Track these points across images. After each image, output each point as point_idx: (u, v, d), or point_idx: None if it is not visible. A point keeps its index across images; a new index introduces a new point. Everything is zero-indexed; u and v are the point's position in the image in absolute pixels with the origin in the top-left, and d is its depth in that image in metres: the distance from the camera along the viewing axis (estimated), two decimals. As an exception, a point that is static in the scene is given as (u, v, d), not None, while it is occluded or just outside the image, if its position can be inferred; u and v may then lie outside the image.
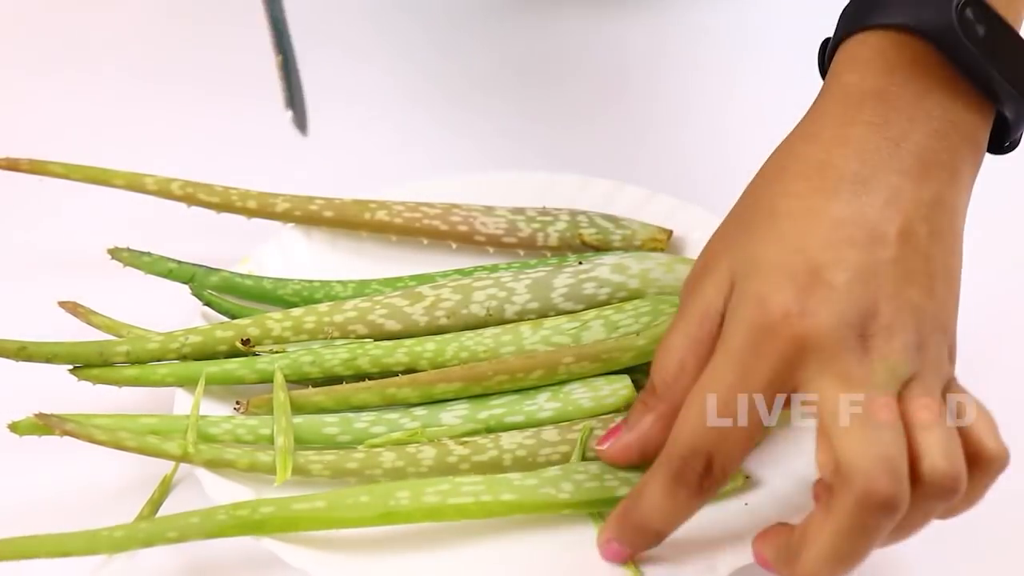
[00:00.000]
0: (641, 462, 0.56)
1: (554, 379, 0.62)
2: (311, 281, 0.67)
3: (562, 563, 0.56)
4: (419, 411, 0.61)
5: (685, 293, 0.55)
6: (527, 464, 0.59)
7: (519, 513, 0.56)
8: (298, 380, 0.62)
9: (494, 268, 0.67)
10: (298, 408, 0.60)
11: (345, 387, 0.61)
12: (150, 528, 0.54)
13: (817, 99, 0.56)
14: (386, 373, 0.62)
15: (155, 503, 0.59)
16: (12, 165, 0.66)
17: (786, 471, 0.58)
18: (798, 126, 0.56)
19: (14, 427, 0.58)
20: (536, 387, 0.62)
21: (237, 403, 0.61)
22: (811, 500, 0.56)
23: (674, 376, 0.54)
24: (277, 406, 0.60)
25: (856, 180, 0.52)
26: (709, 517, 0.56)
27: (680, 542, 0.56)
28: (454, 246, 0.69)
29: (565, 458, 0.59)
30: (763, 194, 0.54)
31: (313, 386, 0.62)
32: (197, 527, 0.54)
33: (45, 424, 0.57)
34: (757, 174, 0.56)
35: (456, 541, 0.57)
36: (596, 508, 0.57)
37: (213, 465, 0.58)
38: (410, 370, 0.62)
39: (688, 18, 0.88)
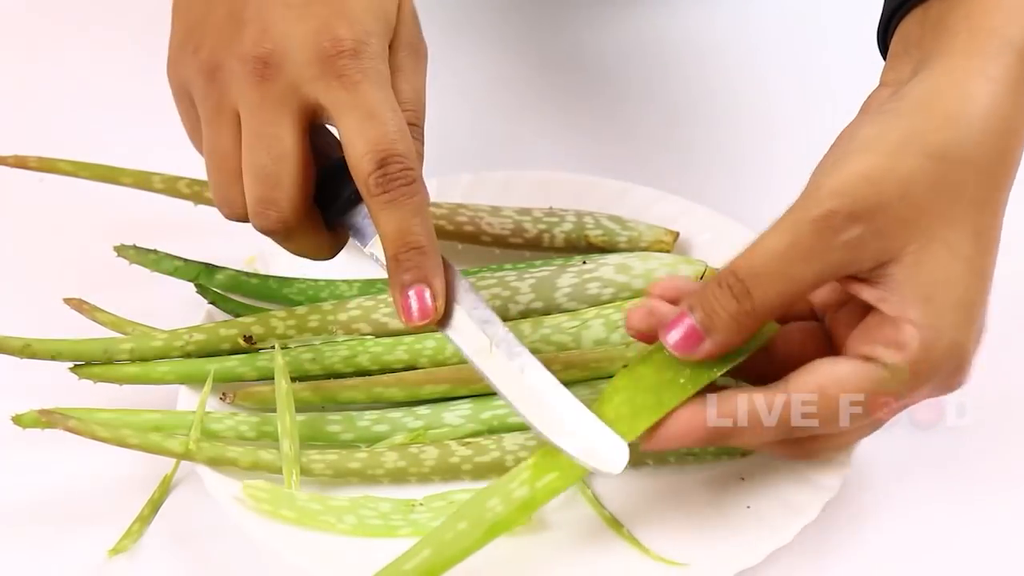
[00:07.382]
0: None
1: None
2: (316, 280, 0.67)
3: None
4: (422, 410, 0.61)
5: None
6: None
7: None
8: (299, 377, 0.62)
9: (499, 268, 0.67)
10: None
11: (332, 383, 0.61)
12: None
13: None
14: (386, 370, 0.62)
15: (155, 502, 0.59)
16: (21, 162, 0.66)
17: (788, 473, 0.57)
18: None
19: (18, 420, 0.58)
20: None
21: (223, 394, 0.61)
22: (813, 502, 0.56)
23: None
24: (280, 398, 0.59)
25: None
26: (712, 519, 0.56)
27: (683, 543, 0.55)
28: (460, 247, 0.69)
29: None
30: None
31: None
32: None
33: (48, 420, 0.57)
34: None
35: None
36: None
37: (215, 463, 0.58)
38: (410, 367, 0.62)
39: (696, 21, 0.87)
